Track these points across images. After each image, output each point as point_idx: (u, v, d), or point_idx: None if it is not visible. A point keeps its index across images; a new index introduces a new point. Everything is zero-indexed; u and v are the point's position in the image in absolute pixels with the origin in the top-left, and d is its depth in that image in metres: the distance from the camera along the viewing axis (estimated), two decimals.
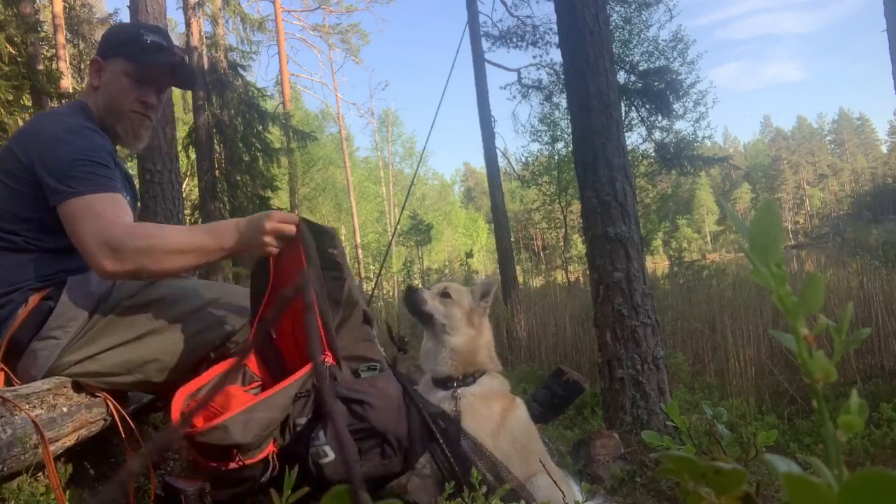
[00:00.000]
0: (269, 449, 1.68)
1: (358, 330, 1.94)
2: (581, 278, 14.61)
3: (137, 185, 7.35)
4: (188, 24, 14.23)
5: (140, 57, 2.18)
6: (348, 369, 1.85)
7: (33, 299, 1.97)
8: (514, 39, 14.62)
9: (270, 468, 1.68)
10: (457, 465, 1.81)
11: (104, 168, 1.97)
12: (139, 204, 2.89)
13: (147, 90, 2.21)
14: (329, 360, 1.78)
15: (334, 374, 1.77)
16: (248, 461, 1.61)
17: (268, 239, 1.91)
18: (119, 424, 1.92)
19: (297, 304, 1.80)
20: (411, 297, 2.51)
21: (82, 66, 15.60)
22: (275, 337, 1.97)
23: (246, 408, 1.58)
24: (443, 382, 2.30)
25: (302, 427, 1.71)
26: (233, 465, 1.59)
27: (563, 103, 14.60)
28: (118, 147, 2.32)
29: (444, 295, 2.49)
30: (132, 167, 13.06)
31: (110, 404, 1.97)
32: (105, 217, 1.89)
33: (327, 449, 1.63)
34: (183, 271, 1.96)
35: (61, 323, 1.93)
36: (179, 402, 1.63)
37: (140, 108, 2.21)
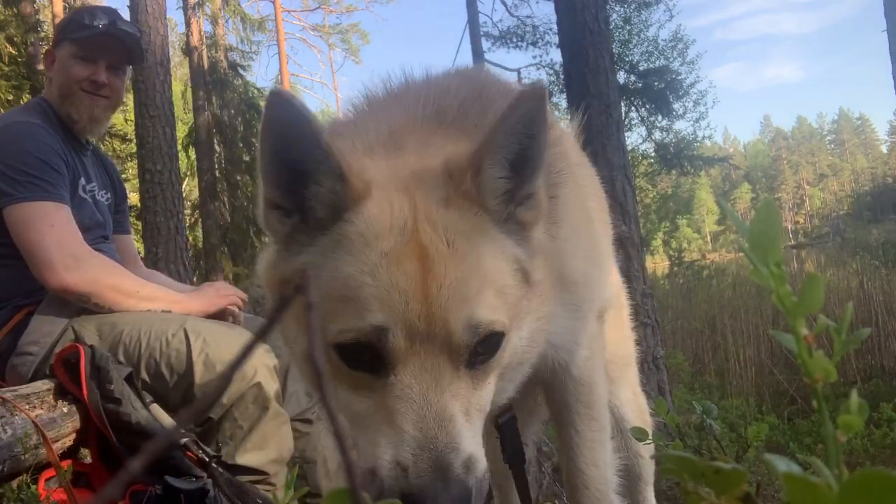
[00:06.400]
0: None
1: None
2: None
3: (137, 186, 7.38)
4: (188, 24, 14.23)
5: (81, 34, 2.18)
6: None
7: (18, 316, 1.98)
8: (514, 39, 14.63)
9: None
10: None
11: (51, 172, 1.98)
12: (139, 204, 2.91)
13: (96, 68, 2.20)
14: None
15: None
16: None
17: (219, 297, 2.20)
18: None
19: None
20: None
21: None
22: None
23: None
24: None
25: None
26: None
27: (563, 103, 14.62)
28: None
29: None
30: (132, 167, 13.07)
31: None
32: (61, 229, 1.91)
33: None
34: (124, 308, 2.04)
35: (35, 338, 1.93)
36: None
37: (90, 88, 2.20)
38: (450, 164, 0.96)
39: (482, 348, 0.90)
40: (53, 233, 1.90)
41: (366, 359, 0.88)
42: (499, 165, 0.95)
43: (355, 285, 0.86)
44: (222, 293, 2.24)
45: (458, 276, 0.87)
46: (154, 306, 2.06)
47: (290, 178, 0.94)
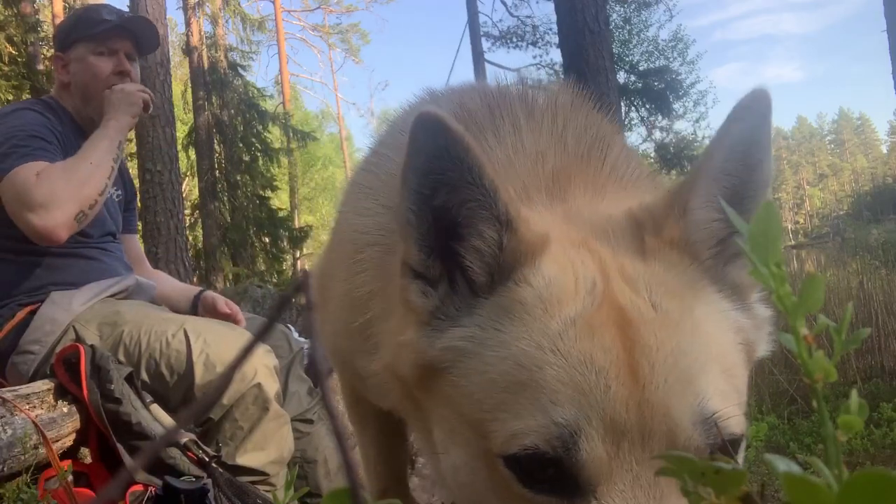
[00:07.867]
0: None
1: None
2: None
3: (138, 186, 7.38)
4: (188, 24, 14.23)
5: (98, 29, 2.18)
6: None
7: (20, 314, 1.97)
8: (514, 39, 14.66)
9: None
10: None
11: (32, 139, 1.96)
12: (139, 204, 2.90)
13: (118, 59, 2.21)
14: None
15: None
16: None
17: (126, 94, 2.08)
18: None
19: None
20: None
21: None
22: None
23: None
24: None
25: None
26: None
27: None
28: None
29: None
30: (132, 167, 13.09)
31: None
32: (21, 184, 1.86)
33: None
34: (107, 181, 1.98)
35: (37, 337, 1.93)
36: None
37: (118, 80, 2.19)
38: (637, 211, 0.74)
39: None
40: (13, 196, 1.86)
41: (550, 476, 0.61)
42: (710, 205, 0.70)
43: (532, 365, 0.62)
44: (128, 91, 2.11)
45: (675, 348, 0.63)
46: (105, 168, 1.97)
47: (437, 232, 0.71)
